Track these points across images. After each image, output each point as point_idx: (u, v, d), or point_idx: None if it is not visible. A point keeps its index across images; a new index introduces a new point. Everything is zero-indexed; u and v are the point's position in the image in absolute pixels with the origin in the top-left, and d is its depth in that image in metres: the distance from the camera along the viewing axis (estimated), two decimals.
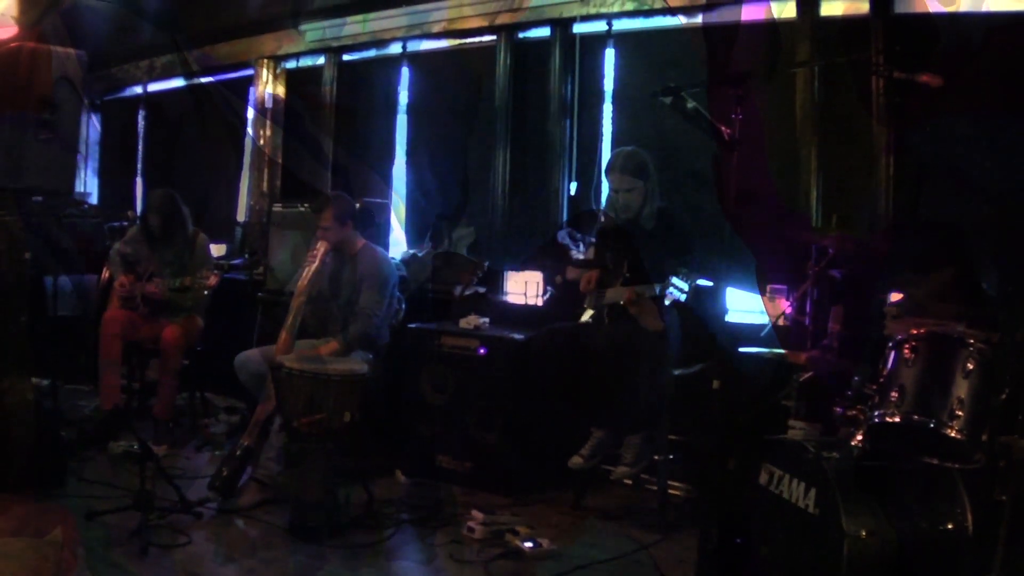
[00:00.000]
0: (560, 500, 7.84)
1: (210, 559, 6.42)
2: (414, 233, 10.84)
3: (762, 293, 7.67)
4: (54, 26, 12.52)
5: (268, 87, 12.22)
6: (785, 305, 7.43)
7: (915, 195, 7.54)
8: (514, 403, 8.04)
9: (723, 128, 6.20)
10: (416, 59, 11.02)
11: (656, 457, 7.50)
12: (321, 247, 8.27)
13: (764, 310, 7.73)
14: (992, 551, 4.74)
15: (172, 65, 13.54)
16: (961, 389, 5.03)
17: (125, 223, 12.16)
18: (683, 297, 6.77)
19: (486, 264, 9.64)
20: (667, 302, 6.94)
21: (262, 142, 12.23)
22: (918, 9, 7.60)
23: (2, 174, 11.42)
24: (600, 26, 9.42)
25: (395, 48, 11.11)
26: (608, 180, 7.79)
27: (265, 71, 12.21)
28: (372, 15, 10.99)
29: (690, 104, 6.63)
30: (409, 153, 11.10)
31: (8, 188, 11.23)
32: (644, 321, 7.28)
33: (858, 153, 7.79)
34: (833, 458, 5.12)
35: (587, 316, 7.86)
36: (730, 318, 7.88)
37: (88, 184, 14.77)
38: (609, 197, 7.83)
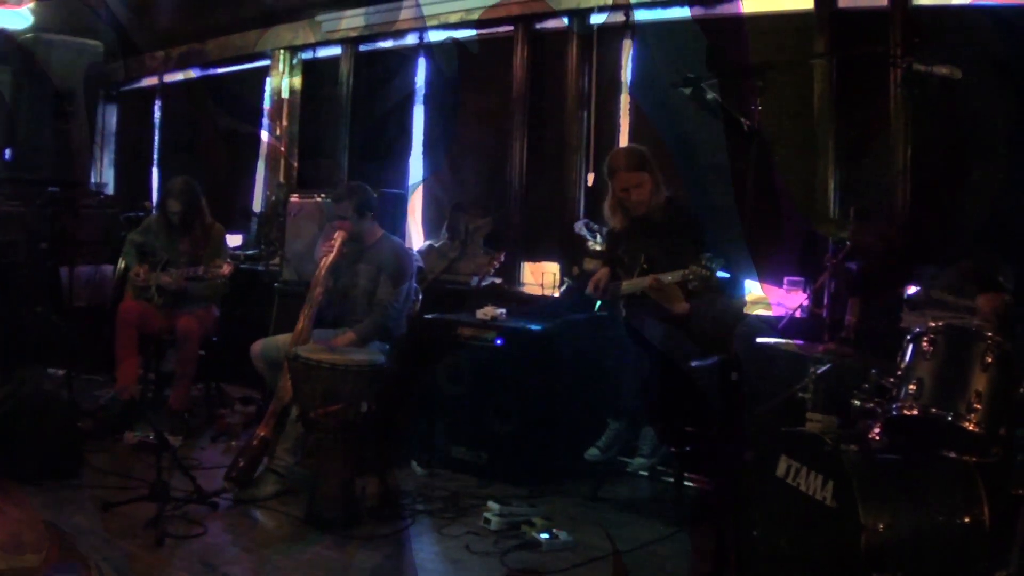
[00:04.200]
0: (576, 491, 7.82)
1: (226, 550, 6.42)
2: (431, 224, 10.84)
3: (761, 282, 7.69)
4: (71, 16, 12.55)
5: (284, 78, 12.22)
6: (801, 297, 7.44)
7: (932, 188, 7.52)
8: (531, 394, 8.03)
9: (743, 120, 6.18)
10: (433, 50, 11.01)
11: (673, 449, 7.50)
12: (338, 237, 8.28)
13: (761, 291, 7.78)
14: (1009, 545, 4.74)
15: (188, 56, 13.55)
16: (979, 382, 5.03)
17: (141, 213, 12.18)
18: (707, 281, 6.75)
19: (503, 255, 9.64)
20: (690, 286, 6.92)
21: (279, 133, 12.24)
22: (936, 1, 7.58)
23: (19, 165, 11.44)
24: (618, 17, 9.39)
25: (412, 39, 11.09)
26: (612, 183, 7.79)
27: (281, 62, 12.21)
28: (389, 5, 10.97)
29: (709, 95, 6.62)
30: (426, 144, 11.09)
31: (25, 179, 11.26)
32: (670, 305, 7.27)
33: (876, 146, 7.78)
34: (851, 451, 5.11)
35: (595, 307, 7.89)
36: (748, 310, 7.86)
37: (104, 174, 14.80)
38: (615, 199, 7.82)
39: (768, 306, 8.01)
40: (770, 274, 7.93)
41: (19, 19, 12.01)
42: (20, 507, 6.84)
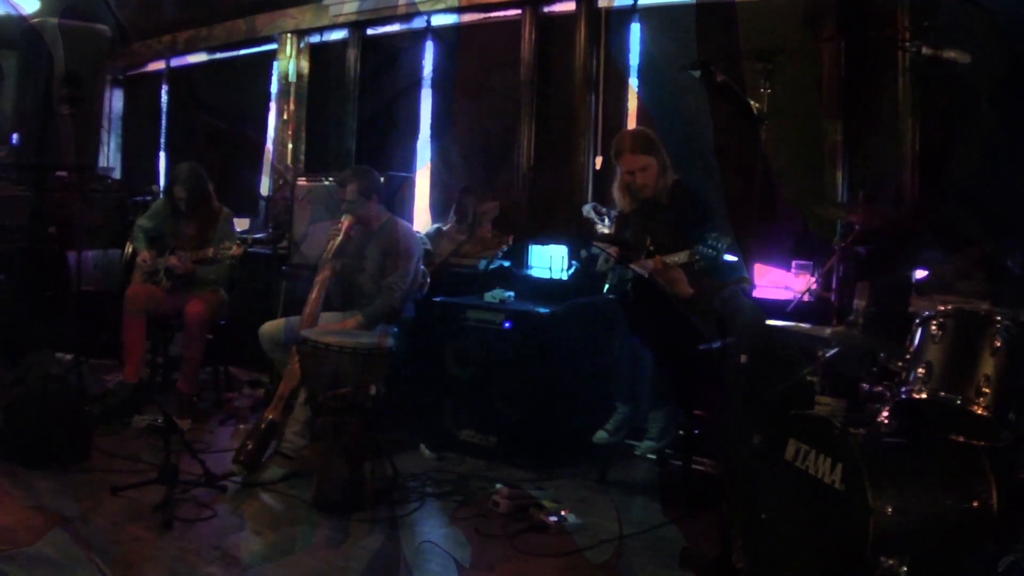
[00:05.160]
0: (585, 474, 7.83)
1: (235, 532, 6.45)
2: (438, 207, 10.83)
3: (747, 261, 7.67)
4: (78, 1, 12.53)
5: (291, 62, 12.20)
6: (810, 280, 7.44)
7: (941, 172, 7.51)
8: (539, 377, 8.05)
9: (752, 103, 6.18)
10: (440, 33, 10.99)
11: (681, 432, 7.50)
12: (346, 221, 8.28)
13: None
14: (1017, 529, 4.75)
15: (195, 40, 13.53)
16: (988, 366, 5.01)
17: (149, 198, 12.18)
18: (714, 261, 6.75)
19: (511, 238, 9.63)
20: (696, 267, 6.92)
21: (286, 117, 12.23)
22: None
23: (27, 149, 11.44)
24: (625, 0, 9.38)
25: (419, 22, 11.08)
26: (618, 164, 7.79)
27: (288, 46, 12.20)
28: None
29: (719, 78, 6.61)
30: (433, 127, 11.08)
31: (32, 163, 11.26)
32: (674, 288, 7.27)
33: (884, 129, 7.77)
34: (859, 434, 5.09)
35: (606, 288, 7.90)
36: (756, 293, 7.85)
37: (111, 159, 14.76)
38: (622, 181, 7.82)
39: (777, 289, 8.01)
40: (778, 257, 7.92)
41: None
42: (26, 493, 6.87)
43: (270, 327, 8.45)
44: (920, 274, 6.50)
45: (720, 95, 6.97)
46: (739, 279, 7.41)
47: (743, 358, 6.18)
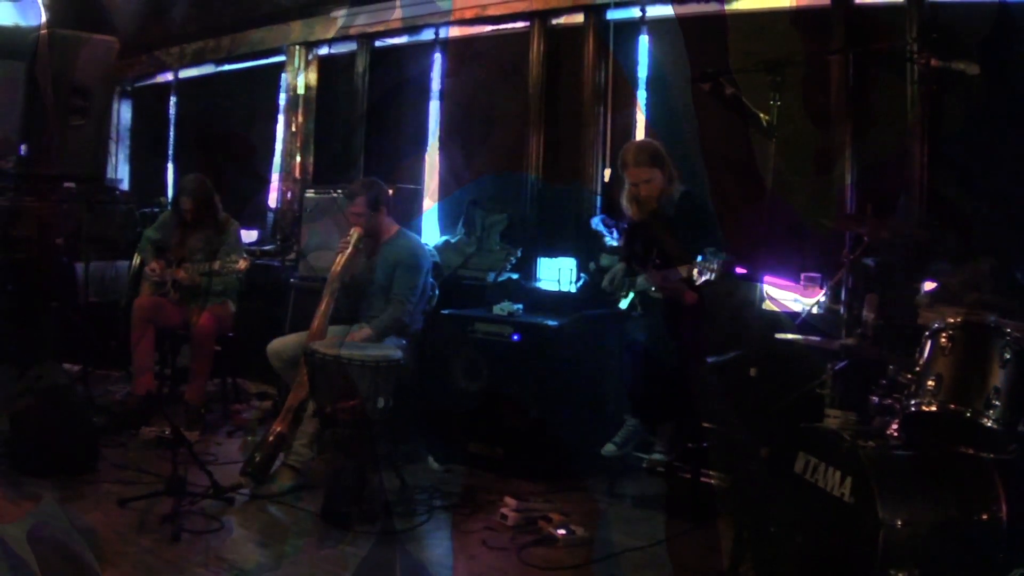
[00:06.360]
0: (593, 487, 7.82)
1: (242, 545, 6.44)
2: (447, 220, 10.82)
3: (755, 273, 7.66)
4: (85, 12, 12.54)
5: (300, 74, 12.21)
6: (818, 292, 7.43)
7: (950, 184, 7.50)
8: (547, 390, 8.03)
9: (761, 115, 6.16)
10: (448, 45, 11.00)
11: (689, 445, 7.48)
12: (354, 233, 8.27)
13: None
14: None
15: (203, 51, 13.56)
16: (997, 379, 5.02)
17: (157, 209, 12.20)
18: (712, 276, 6.72)
19: (519, 251, 9.63)
20: (697, 282, 6.90)
21: (294, 129, 12.24)
22: None
23: (34, 160, 11.43)
24: (634, 12, 9.38)
25: (427, 34, 11.08)
26: (624, 176, 7.78)
27: (297, 58, 12.21)
28: (404, 0, 10.95)
29: (728, 90, 6.59)
30: (442, 139, 11.08)
31: (40, 174, 11.26)
32: (679, 297, 7.25)
33: (893, 141, 7.75)
34: (869, 447, 5.09)
35: (623, 304, 7.87)
36: (766, 306, 7.84)
37: (120, 170, 14.81)
38: (628, 192, 7.82)
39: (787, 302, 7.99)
40: (787, 270, 7.90)
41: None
42: (33, 504, 6.87)
43: (279, 344, 8.44)
44: (929, 286, 6.50)
45: (729, 107, 6.96)
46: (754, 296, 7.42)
47: (752, 371, 6.17)
